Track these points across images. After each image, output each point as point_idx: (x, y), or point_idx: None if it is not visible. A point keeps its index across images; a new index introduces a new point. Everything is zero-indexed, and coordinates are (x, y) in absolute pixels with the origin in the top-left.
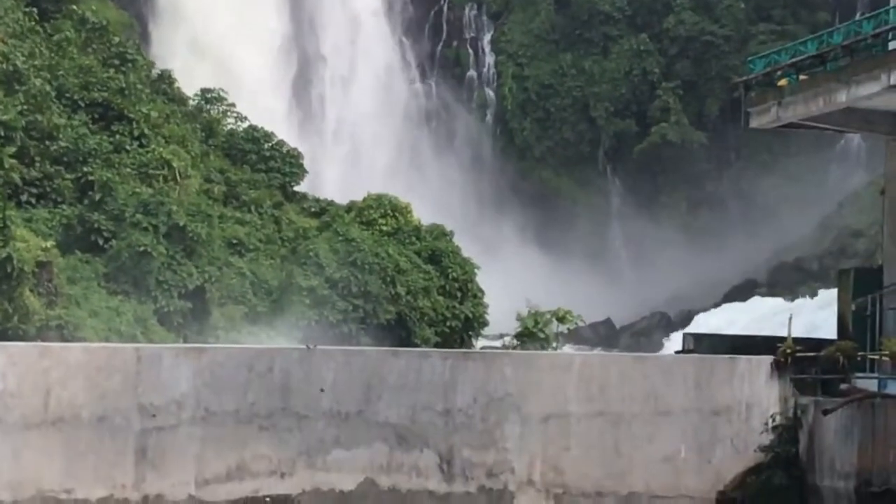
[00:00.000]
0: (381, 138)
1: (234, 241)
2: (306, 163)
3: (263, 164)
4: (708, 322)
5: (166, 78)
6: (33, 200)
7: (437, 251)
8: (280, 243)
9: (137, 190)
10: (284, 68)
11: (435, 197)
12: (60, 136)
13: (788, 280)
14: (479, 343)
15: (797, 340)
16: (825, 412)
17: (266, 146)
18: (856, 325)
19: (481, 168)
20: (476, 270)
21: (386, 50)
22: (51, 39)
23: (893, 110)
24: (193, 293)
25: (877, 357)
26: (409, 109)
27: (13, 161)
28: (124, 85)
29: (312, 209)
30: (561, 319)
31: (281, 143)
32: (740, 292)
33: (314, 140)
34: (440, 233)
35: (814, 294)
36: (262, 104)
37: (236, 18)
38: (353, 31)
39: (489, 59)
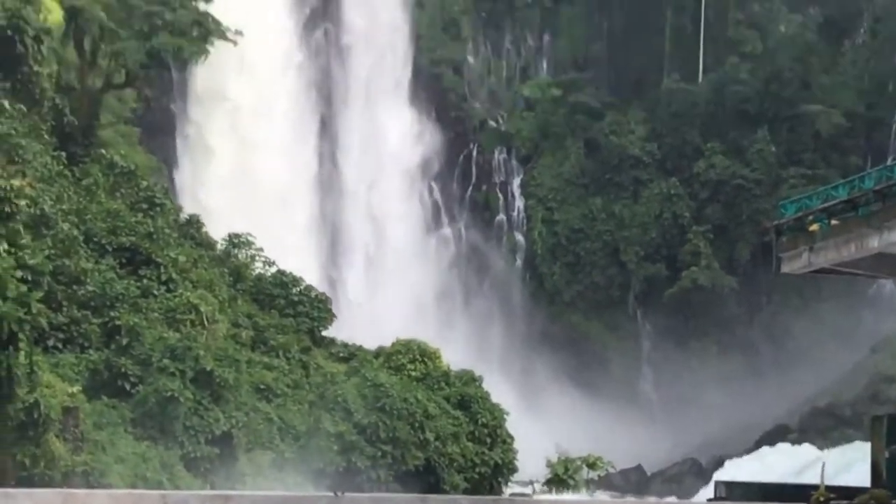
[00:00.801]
0: (411, 283)
1: (262, 387)
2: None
3: (291, 308)
4: (740, 468)
5: (194, 222)
6: (60, 345)
7: (466, 396)
8: (308, 388)
9: (165, 335)
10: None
11: (465, 341)
12: (88, 280)
13: (821, 426)
14: (509, 489)
15: (830, 488)
16: None
17: (294, 291)
18: (889, 472)
19: (511, 312)
20: (505, 416)
21: (417, 207)
22: (79, 184)
23: None
24: (220, 439)
25: None
26: (440, 254)
27: (40, 306)
28: (152, 229)
29: (341, 354)
30: (591, 466)
31: (309, 287)
32: (772, 437)
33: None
34: (469, 378)
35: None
36: None
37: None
38: (382, 205)
39: (519, 202)
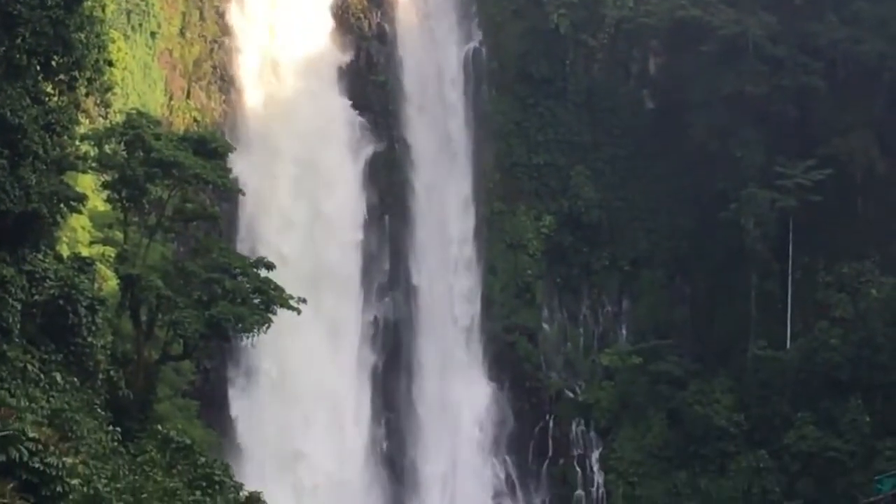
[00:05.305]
0: None
1: None
2: None
3: None
4: None
5: (255, 500)
6: None
7: None
8: None
9: None
10: None
11: None
12: None
13: None
14: None
15: None
16: None
17: None
18: None
19: None
20: None
21: (489, 482)
22: (135, 460)
23: None
24: None
25: None
26: None
27: None
28: None
29: None
30: None
31: None
32: None
33: None
34: None
35: None
36: None
37: None
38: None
39: (598, 477)
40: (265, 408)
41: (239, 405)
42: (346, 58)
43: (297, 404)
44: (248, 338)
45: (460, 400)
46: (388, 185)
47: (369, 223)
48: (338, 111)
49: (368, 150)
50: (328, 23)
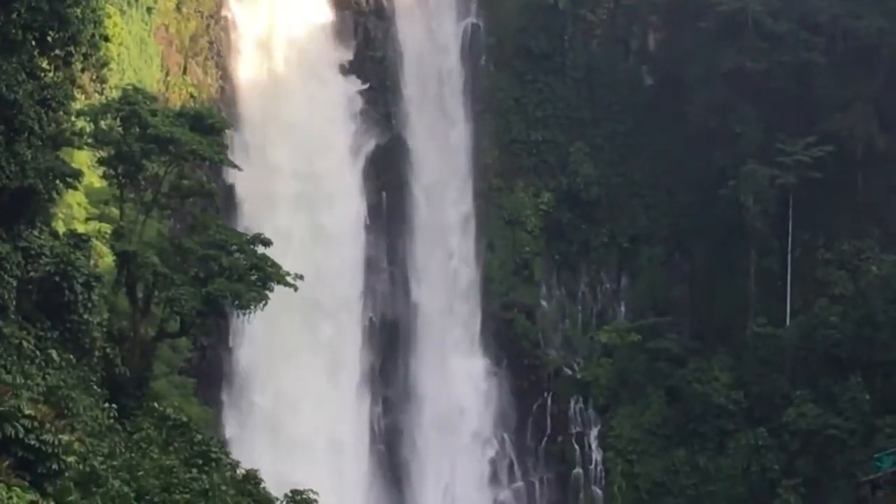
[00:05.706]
0: None
1: None
2: None
3: None
4: None
5: (252, 478)
6: None
7: None
8: None
9: None
10: None
11: None
12: None
13: None
14: None
15: None
16: None
17: None
18: None
19: None
20: None
21: (486, 462)
22: (131, 438)
23: None
24: None
25: None
26: None
27: None
28: (208, 486)
29: None
30: None
31: None
32: None
33: None
34: None
35: None
36: None
37: None
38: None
39: (597, 455)
40: (259, 442)
41: (231, 433)
42: (349, 55)
43: (294, 437)
44: (244, 314)
45: (457, 380)
46: (386, 167)
47: (369, 225)
48: (339, 99)
49: (370, 145)
50: (327, 14)
